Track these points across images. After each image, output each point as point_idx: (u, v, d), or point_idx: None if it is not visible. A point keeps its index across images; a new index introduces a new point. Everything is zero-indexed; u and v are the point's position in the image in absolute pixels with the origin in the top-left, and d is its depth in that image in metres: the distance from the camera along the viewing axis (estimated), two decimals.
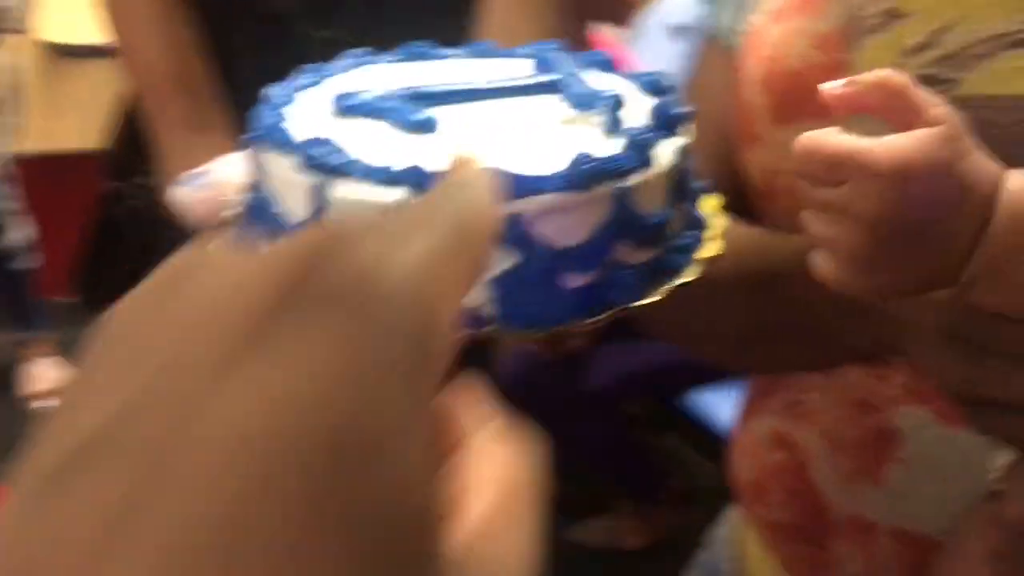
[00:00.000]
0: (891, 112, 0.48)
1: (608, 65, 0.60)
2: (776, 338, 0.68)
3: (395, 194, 0.45)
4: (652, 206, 0.50)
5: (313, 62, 0.59)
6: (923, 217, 0.46)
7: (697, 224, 0.54)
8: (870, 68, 0.54)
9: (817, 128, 0.50)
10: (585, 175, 0.46)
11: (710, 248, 0.53)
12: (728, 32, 0.73)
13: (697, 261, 0.52)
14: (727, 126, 0.70)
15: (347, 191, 0.46)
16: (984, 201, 0.46)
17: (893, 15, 0.60)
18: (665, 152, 0.50)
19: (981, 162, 0.47)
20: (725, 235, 0.54)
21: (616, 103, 0.51)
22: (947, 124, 0.46)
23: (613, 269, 0.48)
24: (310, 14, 0.99)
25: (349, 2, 0.98)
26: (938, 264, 0.47)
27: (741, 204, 0.68)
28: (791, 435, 0.71)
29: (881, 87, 0.48)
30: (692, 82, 0.76)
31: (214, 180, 0.60)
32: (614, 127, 0.51)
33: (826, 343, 0.64)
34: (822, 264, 0.50)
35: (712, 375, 2.11)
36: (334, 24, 0.98)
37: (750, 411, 0.77)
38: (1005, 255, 0.46)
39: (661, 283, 0.50)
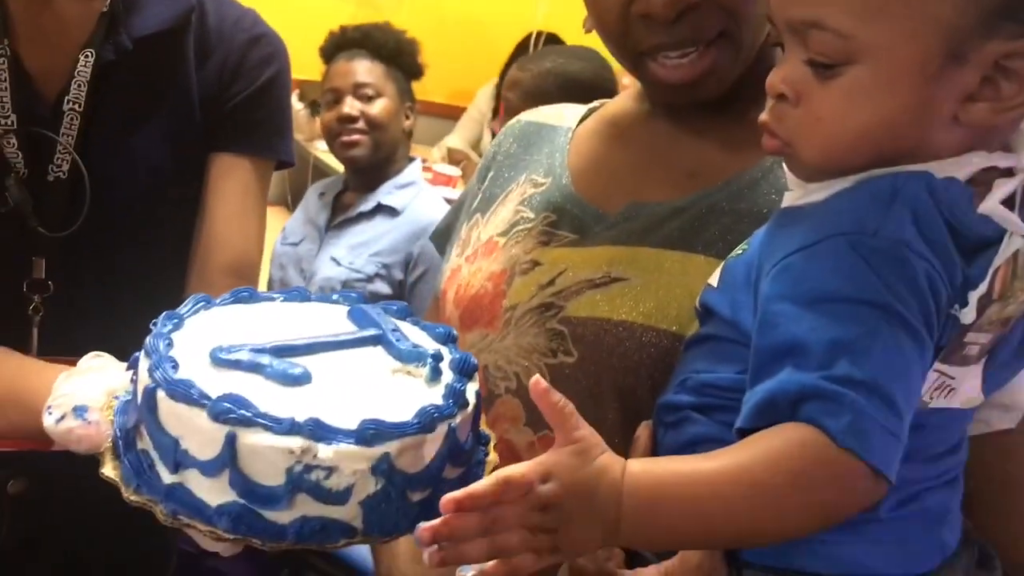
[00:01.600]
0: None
1: (405, 312, 0.79)
2: None
3: (295, 442, 0.60)
4: (465, 435, 0.68)
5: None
6: (567, 511, 0.61)
7: (483, 440, 0.74)
8: (519, 297, 0.87)
9: (485, 332, 0.80)
10: (430, 420, 0.64)
11: (492, 460, 0.73)
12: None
13: (489, 472, 0.71)
14: None
15: (254, 439, 0.60)
16: (613, 489, 0.62)
17: (534, 263, 0.89)
18: (470, 393, 0.70)
19: (607, 460, 0.63)
20: None
21: (437, 357, 0.70)
22: (580, 442, 0.62)
23: (441, 485, 0.66)
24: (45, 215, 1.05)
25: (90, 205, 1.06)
26: (599, 534, 0.63)
27: None
28: None
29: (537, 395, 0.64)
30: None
31: (94, 416, 0.69)
32: (435, 378, 0.69)
33: None
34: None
35: None
36: (71, 226, 1.06)
37: None
38: (641, 520, 0.63)
39: None
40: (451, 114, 4.42)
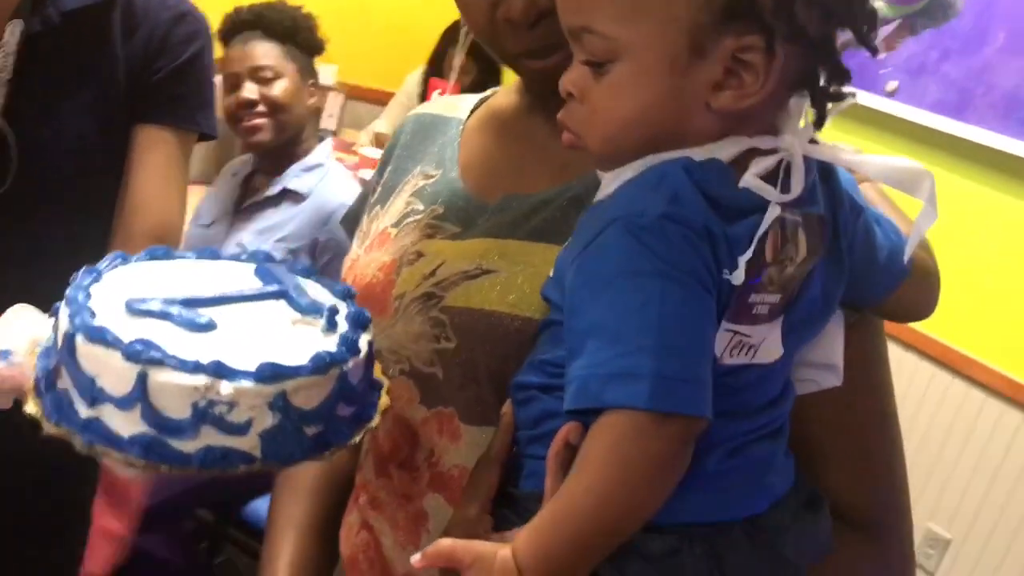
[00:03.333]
0: None
1: (310, 271, 0.87)
2: None
3: (200, 379, 0.68)
4: (357, 379, 0.77)
5: None
6: None
7: (376, 386, 0.82)
8: (406, 286, 0.93)
9: (379, 320, 0.89)
10: (324, 364, 0.72)
11: (384, 403, 0.81)
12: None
13: (380, 413, 0.80)
14: None
15: (163, 377, 0.68)
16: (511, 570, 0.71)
17: (419, 255, 0.95)
18: (363, 343, 0.78)
19: (502, 555, 0.71)
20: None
21: (334, 311, 0.78)
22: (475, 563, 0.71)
23: (334, 422, 0.75)
24: None
25: (16, 170, 1.12)
26: None
27: None
28: (369, 521, 1.00)
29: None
30: None
31: (17, 359, 0.76)
32: (331, 328, 0.77)
33: None
34: None
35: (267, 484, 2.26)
36: None
37: (349, 507, 1.05)
38: (546, 570, 0.71)
39: (360, 428, 0.77)
40: (380, 99, 4.47)
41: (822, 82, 0.73)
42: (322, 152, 2.52)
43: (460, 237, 0.94)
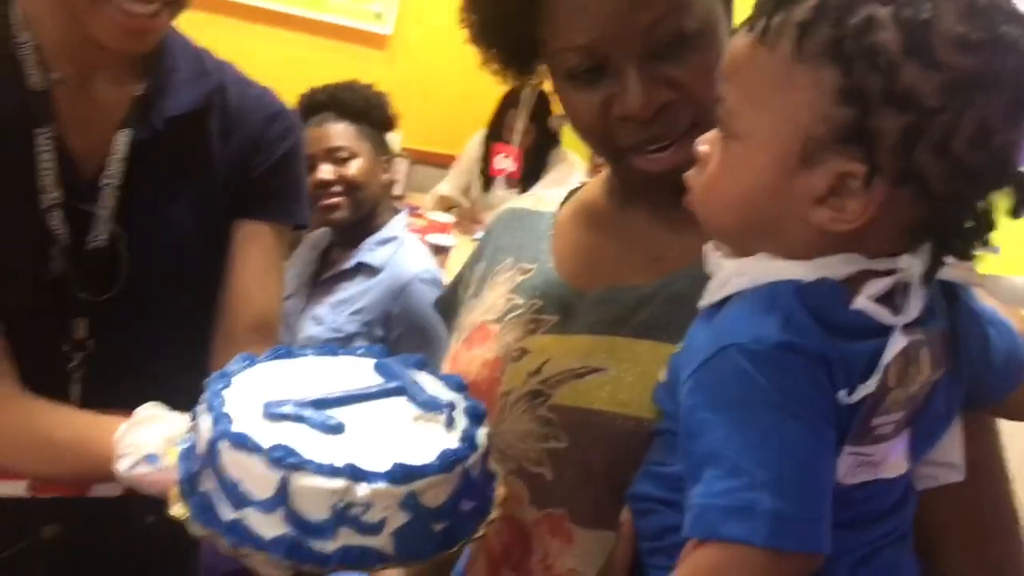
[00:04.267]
0: None
1: (423, 363, 0.91)
2: None
3: (338, 483, 0.72)
4: (477, 472, 0.80)
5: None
6: None
7: (492, 478, 0.86)
8: (512, 384, 0.95)
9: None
10: (449, 462, 0.76)
11: (500, 494, 0.85)
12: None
13: (498, 505, 0.83)
14: None
15: (304, 481, 0.72)
16: None
17: (523, 351, 0.97)
18: (481, 437, 0.81)
19: None
20: None
21: (452, 407, 0.82)
22: None
23: (459, 516, 0.78)
24: (86, 280, 1.17)
25: (128, 270, 1.18)
26: None
27: None
28: None
29: None
30: None
31: (163, 463, 0.81)
32: (450, 424, 0.81)
33: None
34: None
35: None
36: (111, 290, 1.17)
37: None
38: None
39: (482, 521, 0.81)
40: (442, 162, 4.56)
41: (952, 233, 0.72)
42: (397, 225, 2.56)
43: (562, 327, 0.96)
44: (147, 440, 0.86)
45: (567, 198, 1.11)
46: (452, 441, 0.79)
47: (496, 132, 4.26)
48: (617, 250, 0.99)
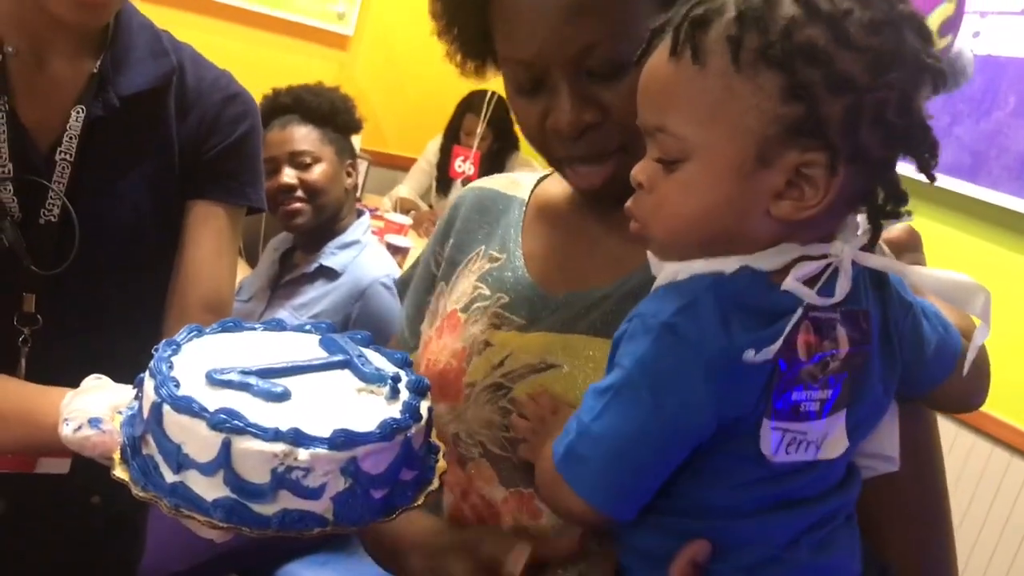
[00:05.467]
0: None
1: (368, 340, 0.92)
2: None
3: (278, 447, 0.73)
4: (418, 444, 0.82)
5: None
6: None
7: (434, 450, 0.87)
8: (476, 375, 0.99)
9: (453, 405, 0.98)
10: (390, 430, 0.77)
11: (441, 467, 0.86)
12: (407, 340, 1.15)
13: (438, 476, 0.85)
14: None
15: (245, 444, 0.73)
16: None
17: (487, 344, 1.01)
18: (424, 409, 0.83)
19: None
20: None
21: (396, 379, 0.83)
22: None
23: (399, 485, 0.80)
24: (37, 254, 1.17)
25: (79, 246, 1.18)
26: None
27: None
28: None
29: None
30: None
31: (107, 426, 0.81)
32: (394, 396, 0.83)
33: None
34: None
35: (304, 547, 2.29)
36: (61, 265, 1.17)
37: None
38: None
39: (422, 491, 0.82)
40: (401, 164, 4.58)
41: (880, 200, 0.77)
42: (359, 229, 2.54)
43: (525, 330, 0.99)
44: (92, 406, 0.86)
45: (537, 184, 1.13)
46: (394, 412, 0.81)
47: (453, 135, 4.28)
48: (581, 253, 1.02)
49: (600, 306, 0.96)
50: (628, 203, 0.81)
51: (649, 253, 0.83)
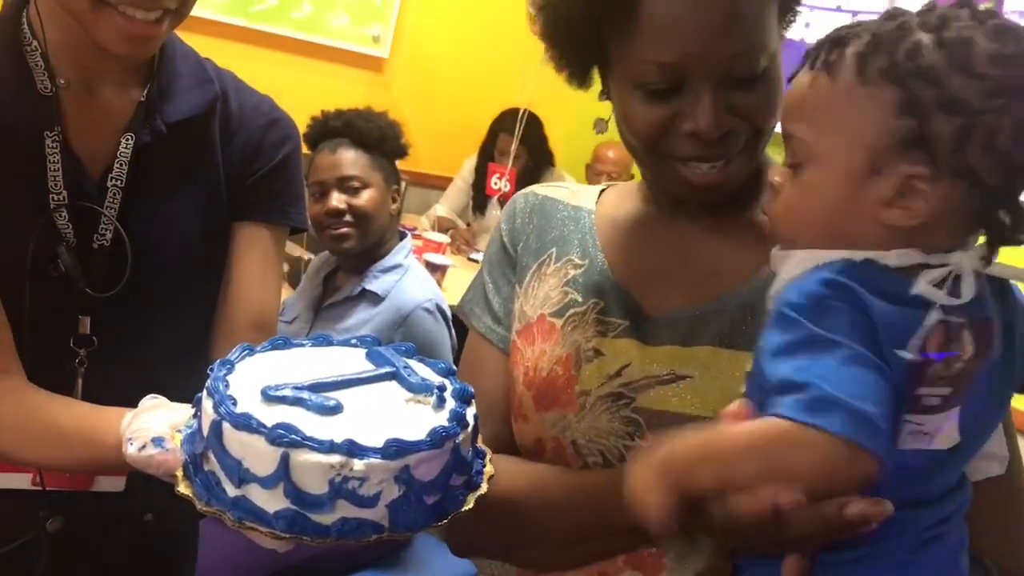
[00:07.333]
0: None
1: (413, 352, 0.95)
2: (591, 538, 1.01)
3: (335, 458, 0.76)
4: (467, 450, 0.85)
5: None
6: None
7: (481, 455, 0.90)
8: (590, 383, 1.00)
9: (564, 413, 0.98)
10: (439, 438, 0.80)
11: (489, 471, 0.89)
12: (493, 334, 1.15)
13: (487, 480, 0.87)
14: (500, 402, 1.10)
15: (303, 457, 0.76)
16: None
17: (597, 352, 1.02)
18: (470, 416, 0.86)
19: None
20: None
21: (442, 388, 0.86)
22: None
23: (449, 491, 0.82)
24: (91, 278, 1.22)
25: (131, 269, 1.23)
26: None
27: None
28: None
29: None
30: (469, 368, 1.16)
31: (170, 445, 0.85)
32: (440, 405, 0.86)
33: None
34: None
35: (355, 565, 2.32)
36: (115, 288, 1.22)
37: None
38: None
39: (471, 495, 0.85)
40: (437, 184, 4.62)
41: (1003, 225, 0.80)
42: (401, 253, 2.55)
43: (633, 334, 1.01)
44: (153, 425, 0.90)
45: (598, 196, 1.16)
46: (442, 420, 0.84)
47: (488, 155, 4.32)
48: (671, 260, 1.05)
49: (715, 319, 0.98)
50: (764, 202, 0.89)
51: (771, 255, 0.86)
